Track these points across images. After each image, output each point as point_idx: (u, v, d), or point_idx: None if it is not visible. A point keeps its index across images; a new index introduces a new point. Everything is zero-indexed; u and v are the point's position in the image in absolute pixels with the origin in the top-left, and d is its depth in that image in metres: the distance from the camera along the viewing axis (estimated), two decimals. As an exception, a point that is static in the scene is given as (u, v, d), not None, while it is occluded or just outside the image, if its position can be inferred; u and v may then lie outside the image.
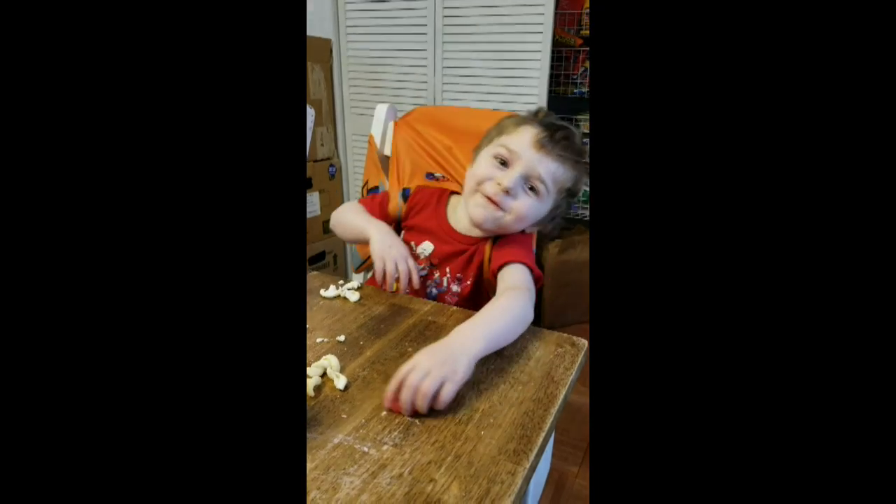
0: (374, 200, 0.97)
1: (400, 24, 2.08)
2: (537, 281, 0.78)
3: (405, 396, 0.51)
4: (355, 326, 0.70)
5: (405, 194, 0.96)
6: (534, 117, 0.84)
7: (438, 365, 0.53)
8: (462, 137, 1.04)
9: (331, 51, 2.37)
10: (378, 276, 0.77)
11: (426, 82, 2.09)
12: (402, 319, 0.72)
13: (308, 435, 0.49)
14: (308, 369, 0.59)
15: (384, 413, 0.53)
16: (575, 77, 2.08)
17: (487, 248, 0.84)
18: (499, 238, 0.84)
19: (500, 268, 0.77)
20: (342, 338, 0.67)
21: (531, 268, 0.78)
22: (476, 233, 0.86)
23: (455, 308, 0.77)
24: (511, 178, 0.76)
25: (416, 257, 0.88)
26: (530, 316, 0.68)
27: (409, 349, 0.65)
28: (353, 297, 0.78)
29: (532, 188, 0.78)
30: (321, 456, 0.47)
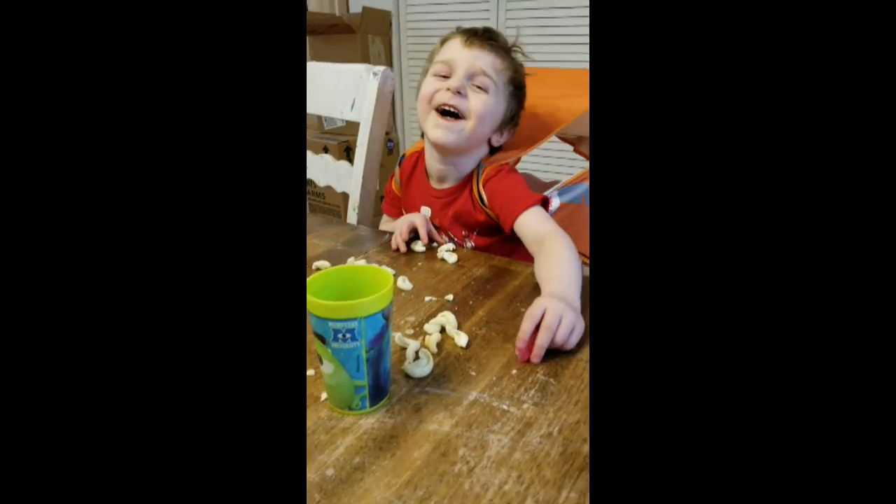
0: (389, 196, 0.97)
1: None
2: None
3: (543, 337, 0.50)
4: (460, 287, 0.67)
5: (400, 163, 0.94)
6: (453, 32, 0.83)
7: (568, 310, 0.52)
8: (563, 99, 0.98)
9: (390, 23, 2.33)
10: (392, 244, 0.79)
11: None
12: (507, 280, 0.69)
13: (440, 391, 0.46)
14: (426, 326, 0.56)
15: (514, 371, 0.49)
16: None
17: (475, 193, 0.81)
18: (478, 179, 0.80)
19: (514, 222, 0.74)
20: (450, 297, 0.64)
21: (542, 203, 0.76)
22: (448, 178, 0.84)
23: None
24: (456, 78, 0.76)
25: (428, 220, 0.88)
26: (576, 252, 0.66)
27: (522, 309, 0.61)
28: (452, 258, 0.75)
29: (479, 87, 0.77)
30: (459, 413, 0.43)
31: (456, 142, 0.78)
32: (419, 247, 0.79)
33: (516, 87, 0.82)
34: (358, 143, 1.05)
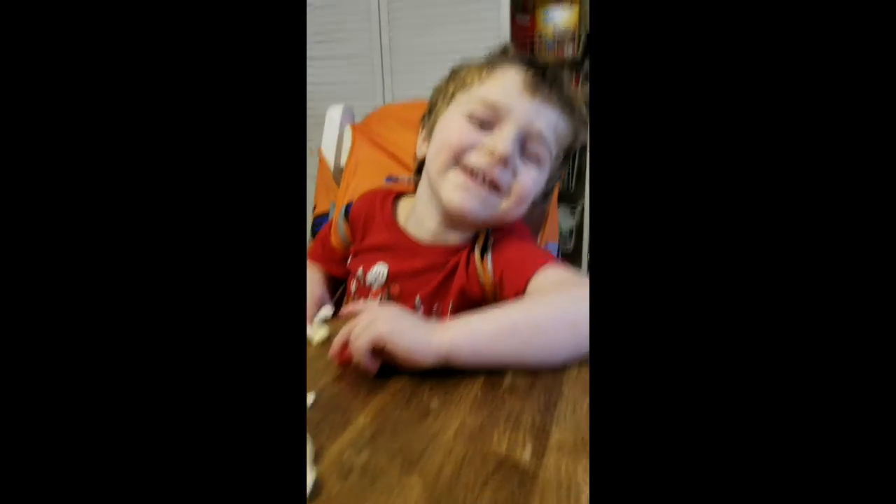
0: (318, 244, 0.72)
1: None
2: None
3: (338, 339, 0.40)
4: (329, 379, 0.40)
5: (347, 211, 0.68)
6: (507, 55, 0.58)
7: (389, 319, 0.39)
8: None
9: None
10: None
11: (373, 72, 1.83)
12: (407, 359, 0.43)
13: None
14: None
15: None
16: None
17: (476, 258, 0.56)
18: (486, 241, 0.57)
19: (528, 283, 0.50)
20: (310, 399, 0.37)
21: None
22: (451, 237, 0.59)
23: None
24: (507, 140, 0.52)
25: (366, 290, 0.61)
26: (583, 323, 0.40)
27: (433, 404, 0.36)
28: (320, 333, 0.48)
29: (531, 156, 0.55)
30: None
31: (481, 216, 0.55)
32: (319, 335, 0.49)
33: (567, 155, 0.61)
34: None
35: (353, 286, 0.64)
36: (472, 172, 0.53)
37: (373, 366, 0.39)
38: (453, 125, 0.55)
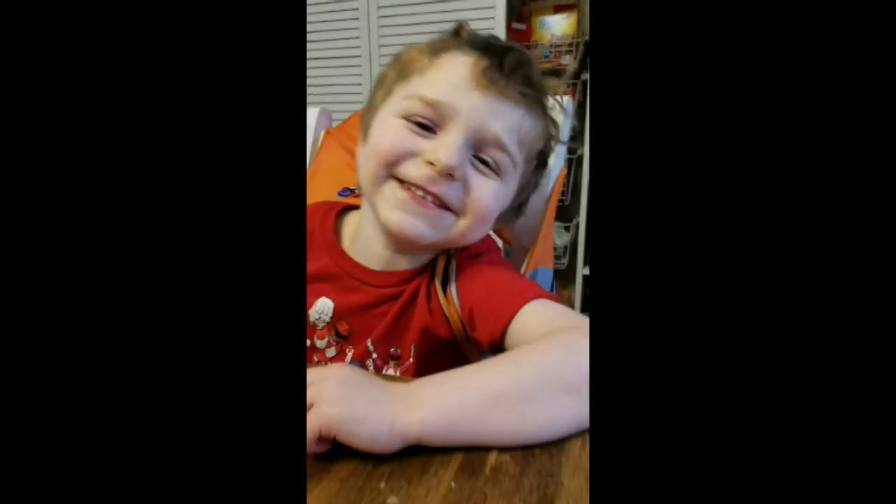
0: None
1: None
2: None
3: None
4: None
5: None
6: (459, 38, 0.47)
7: (337, 400, 0.29)
8: None
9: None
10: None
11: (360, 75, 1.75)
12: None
13: None
14: None
15: None
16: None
17: (437, 289, 0.47)
18: (447, 267, 0.48)
19: (510, 322, 0.40)
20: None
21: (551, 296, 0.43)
22: (403, 263, 0.49)
23: None
24: (451, 147, 0.42)
25: (311, 330, 0.50)
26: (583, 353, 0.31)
27: (392, 499, 0.27)
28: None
29: (485, 161, 0.44)
30: None
31: (432, 239, 0.45)
32: None
33: (541, 162, 0.50)
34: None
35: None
36: (409, 187, 0.43)
37: (321, 448, 0.30)
38: (387, 128, 0.45)
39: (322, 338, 0.50)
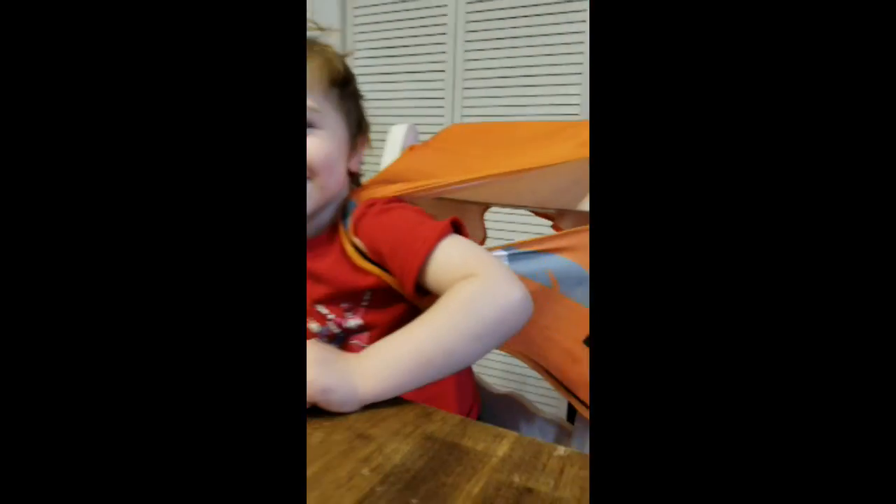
0: None
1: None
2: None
3: None
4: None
5: None
6: None
7: (317, 378, 0.37)
8: (496, 150, 0.69)
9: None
10: None
11: (443, 89, 1.76)
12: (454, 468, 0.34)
13: None
14: None
15: None
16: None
17: (343, 239, 0.54)
18: (346, 226, 0.54)
19: (418, 272, 0.47)
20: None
21: (456, 230, 0.50)
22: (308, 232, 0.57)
23: None
24: None
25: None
26: (501, 302, 0.43)
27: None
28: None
29: None
30: None
31: (311, 208, 0.54)
32: None
33: (343, 84, 0.55)
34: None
35: None
36: None
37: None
38: None
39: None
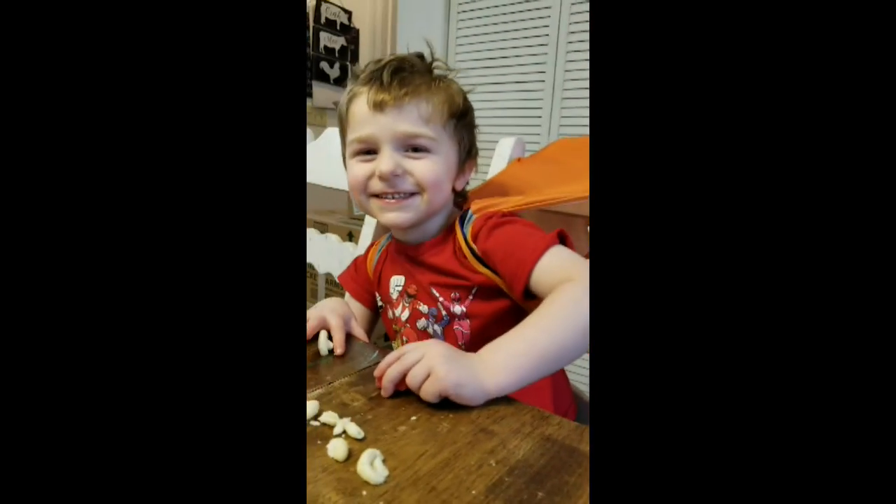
0: (350, 271, 0.79)
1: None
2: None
3: (394, 370, 0.44)
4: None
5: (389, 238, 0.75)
6: (357, 79, 0.63)
7: (436, 357, 0.43)
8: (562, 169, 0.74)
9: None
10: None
11: (542, 99, 1.78)
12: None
13: None
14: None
15: None
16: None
17: (460, 240, 0.62)
18: (464, 232, 0.62)
19: (528, 280, 0.54)
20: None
21: (562, 241, 0.56)
22: (423, 233, 0.65)
23: None
24: (385, 160, 0.58)
25: (388, 300, 0.70)
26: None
27: None
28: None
29: (415, 149, 0.59)
30: None
31: (416, 218, 0.62)
32: (325, 348, 0.56)
33: (460, 116, 0.63)
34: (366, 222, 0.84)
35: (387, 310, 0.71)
36: (380, 196, 0.61)
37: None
38: (350, 169, 0.63)
39: (397, 306, 0.68)
